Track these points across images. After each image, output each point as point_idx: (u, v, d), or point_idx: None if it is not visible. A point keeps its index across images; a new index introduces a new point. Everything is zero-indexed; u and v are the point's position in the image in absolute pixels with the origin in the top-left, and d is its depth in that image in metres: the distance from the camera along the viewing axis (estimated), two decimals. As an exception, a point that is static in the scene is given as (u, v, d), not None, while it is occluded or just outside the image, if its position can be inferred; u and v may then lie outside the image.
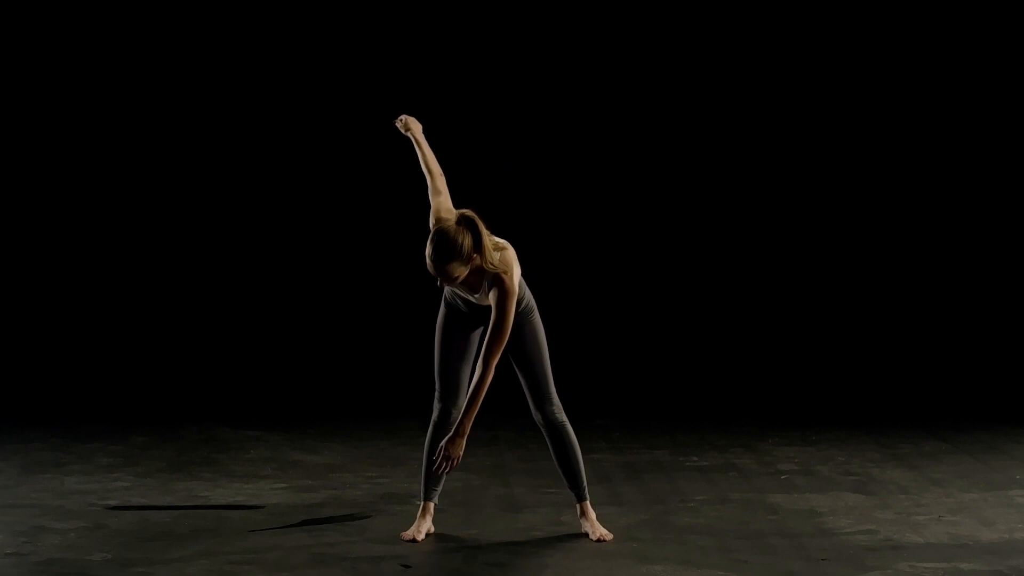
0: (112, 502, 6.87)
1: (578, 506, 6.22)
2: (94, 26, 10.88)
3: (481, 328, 6.09)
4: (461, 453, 5.80)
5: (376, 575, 5.58)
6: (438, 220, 5.94)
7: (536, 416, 6.16)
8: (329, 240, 11.06)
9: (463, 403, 5.91)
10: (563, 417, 6.16)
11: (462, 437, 5.80)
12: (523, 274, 5.99)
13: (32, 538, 6.12)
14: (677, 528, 6.36)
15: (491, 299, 5.84)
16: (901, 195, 11.09)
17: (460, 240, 5.73)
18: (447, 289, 6.08)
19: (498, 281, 5.82)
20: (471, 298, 5.98)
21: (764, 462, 8.01)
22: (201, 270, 11.06)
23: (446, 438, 5.82)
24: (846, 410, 9.90)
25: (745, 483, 7.42)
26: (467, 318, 6.10)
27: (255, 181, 11.06)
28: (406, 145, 6.38)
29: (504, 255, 5.87)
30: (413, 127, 6.34)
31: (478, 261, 5.80)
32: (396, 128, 6.41)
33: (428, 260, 5.76)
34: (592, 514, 6.21)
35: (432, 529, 6.20)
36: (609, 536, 6.12)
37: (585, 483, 6.21)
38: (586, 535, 6.13)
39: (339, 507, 6.81)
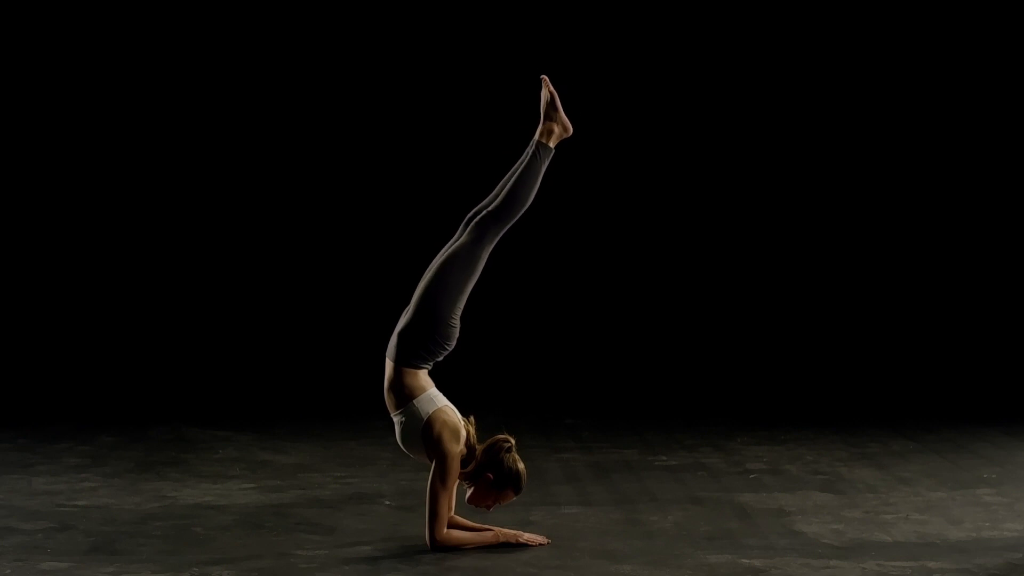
0: (80, 502, 6.84)
1: None
2: (93, 26, 10.83)
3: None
4: None
5: None
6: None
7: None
8: (294, 240, 11.04)
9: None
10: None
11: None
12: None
13: (-1, 539, 6.10)
14: (646, 528, 6.36)
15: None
16: (865, 198, 11.12)
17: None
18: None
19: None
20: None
21: (733, 461, 8.03)
22: (169, 271, 11.02)
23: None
24: (815, 409, 9.93)
25: (714, 482, 7.43)
26: None
27: (220, 180, 11.03)
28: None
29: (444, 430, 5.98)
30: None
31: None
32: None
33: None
34: None
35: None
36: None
37: None
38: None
39: (308, 507, 6.80)
